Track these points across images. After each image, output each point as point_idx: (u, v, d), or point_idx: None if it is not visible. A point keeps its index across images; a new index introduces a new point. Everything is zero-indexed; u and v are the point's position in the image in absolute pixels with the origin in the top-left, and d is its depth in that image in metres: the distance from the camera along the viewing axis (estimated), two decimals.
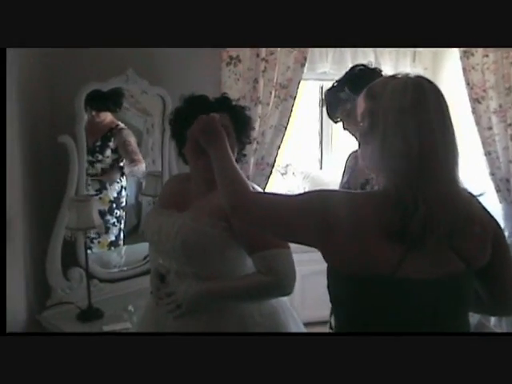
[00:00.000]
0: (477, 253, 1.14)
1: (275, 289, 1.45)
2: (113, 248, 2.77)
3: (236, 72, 2.68)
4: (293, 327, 1.60)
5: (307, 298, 3.10)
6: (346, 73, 1.98)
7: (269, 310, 1.54)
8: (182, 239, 1.47)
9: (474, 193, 1.21)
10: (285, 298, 1.64)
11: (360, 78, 1.86)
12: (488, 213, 1.22)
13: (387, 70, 3.18)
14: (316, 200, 1.15)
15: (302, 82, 2.83)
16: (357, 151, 2.02)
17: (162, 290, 1.55)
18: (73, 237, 2.30)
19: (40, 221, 2.32)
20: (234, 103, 1.62)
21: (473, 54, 2.90)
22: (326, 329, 2.07)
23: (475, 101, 2.91)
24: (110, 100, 2.46)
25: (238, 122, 1.57)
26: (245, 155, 1.69)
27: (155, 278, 1.59)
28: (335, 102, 1.93)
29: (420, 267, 1.08)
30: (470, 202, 1.15)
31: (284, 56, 2.73)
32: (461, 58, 2.91)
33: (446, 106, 1.12)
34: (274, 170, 2.88)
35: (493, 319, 3.18)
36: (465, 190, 1.14)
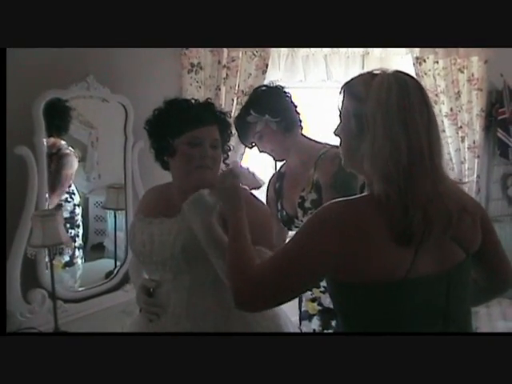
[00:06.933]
0: (472, 239, 1.19)
1: None
2: (67, 268, 2.62)
3: (197, 79, 2.63)
4: (291, 330, 1.59)
5: None
6: (249, 96, 1.98)
7: (271, 313, 1.51)
8: (181, 244, 1.40)
9: None
10: None
11: (262, 98, 1.88)
12: (471, 198, 1.29)
13: (337, 76, 3.27)
14: (327, 226, 1.09)
15: None
16: (278, 172, 2.07)
17: (151, 306, 1.48)
18: (33, 255, 2.14)
19: None
20: (217, 110, 1.56)
21: (424, 61, 3.02)
22: None
23: None
24: (53, 124, 2.20)
25: (224, 131, 1.54)
26: (229, 164, 1.65)
27: (143, 294, 1.50)
28: (245, 128, 1.90)
29: (429, 264, 1.10)
30: (459, 193, 1.18)
31: (245, 63, 2.71)
32: (414, 64, 3.02)
33: (428, 99, 1.13)
34: None
35: None
36: (452, 181, 1.17)
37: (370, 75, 1.13)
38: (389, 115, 1.06)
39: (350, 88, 1.15)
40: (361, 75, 1.16)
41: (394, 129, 1.05)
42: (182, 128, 1.45)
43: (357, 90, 1.12)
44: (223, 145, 1.54)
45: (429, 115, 1.10)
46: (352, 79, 1.17)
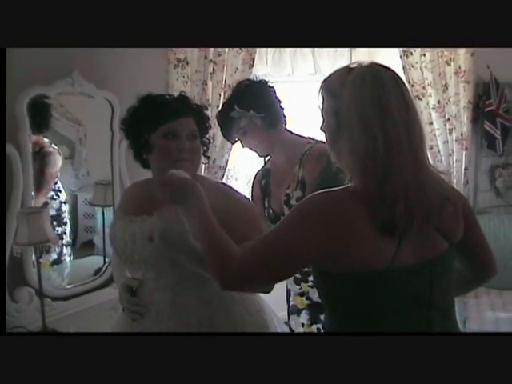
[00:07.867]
0: (455, 228, 1.20)
1: None
2: (55, 266, 2.60)
3: (184, 74, 2.61)
4: (277, 326, 1.59)
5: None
6: (233, 91, 1.94)
7: (256, 308, 1.51)
8: (164, 242, 1.39)
9: None
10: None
11: (246, 92, 1.85)
12: (452, 187, 1.31)
13: (326, 70, 3.26)
14: (310, 218, 1.10)
15: None
16: (264, 169, 2.07)
17: (134, 305, 1.47)
18: (18, 253, 2.12)
19: None
20: (193, 103, 1.56)
21: (411, 53, 3.03)
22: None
23: (416, 98, 3.04)
24: (34, 122, 2.15)
25: (201, 123, 1.52)
26: (209, 157, 1.64)
27: (125, 294, 1.49)
28: (228, 123, 1.87)
29: (412, 253, 1.11)
30: (441, 182, 1.18)
31: (232, 57, 2.69)
32: (401, 56, 3.03)
33: (406, 90, 1.12)
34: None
35: None
36: (434, 171, 1.17)
37: (346, 70, 1.12)
38: (363, 109, 1.06)
39: (326, 85, 1.15)
40: (337, 70, 1.15)
41: (369, 122, 1.06)
42: (156, 122, 1.43)
43: (332, 87, 1.12)
44: (201, 137, 1.51)
45: (406, 105, 1.10)
46: (329, 75, 1.16)
